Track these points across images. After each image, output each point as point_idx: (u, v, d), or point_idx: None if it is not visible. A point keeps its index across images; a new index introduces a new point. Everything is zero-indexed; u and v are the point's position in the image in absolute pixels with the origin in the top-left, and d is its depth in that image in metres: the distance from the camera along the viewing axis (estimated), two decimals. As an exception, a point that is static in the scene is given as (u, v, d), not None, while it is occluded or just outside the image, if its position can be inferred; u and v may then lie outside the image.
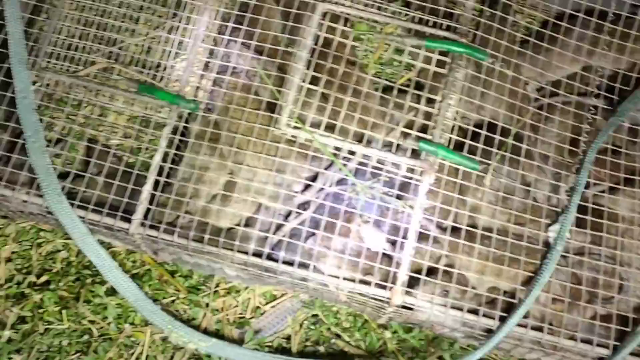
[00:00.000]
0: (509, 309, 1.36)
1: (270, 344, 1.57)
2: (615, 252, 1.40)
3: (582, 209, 1.43)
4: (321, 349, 1.56)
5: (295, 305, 1.62)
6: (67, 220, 1.40)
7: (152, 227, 1.41)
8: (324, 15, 1.53)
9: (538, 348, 1.38)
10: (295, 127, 1.44)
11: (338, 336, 1.58)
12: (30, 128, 1.44)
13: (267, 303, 1.63)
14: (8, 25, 1.49)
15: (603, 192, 1.49)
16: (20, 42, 1.49)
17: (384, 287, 1.36)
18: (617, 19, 1.59)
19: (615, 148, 1.51)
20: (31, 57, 1.51)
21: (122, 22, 1.58)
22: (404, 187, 1.43)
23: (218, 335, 1.57)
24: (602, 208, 1.44)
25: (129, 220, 1.41)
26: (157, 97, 1.47)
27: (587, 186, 1.47)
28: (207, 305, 1.59)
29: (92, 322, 1.55)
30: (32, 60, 1.51)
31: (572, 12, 1.59)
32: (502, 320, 1.34)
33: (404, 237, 1.38)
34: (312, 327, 1.59)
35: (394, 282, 1.36)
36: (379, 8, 1.54)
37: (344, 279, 1.37)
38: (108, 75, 1.54)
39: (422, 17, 1.53)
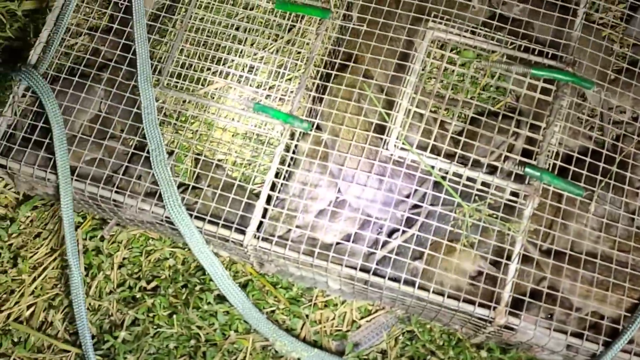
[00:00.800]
0: (613, 334, 1.38)
1: (366, 357, 1.62)
2: None
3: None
4: (419, 365, 1.61)
5: (390, 320, 1.67)
6: (186, 231, 1.49)
7: (264, 239, 1.48)
8: (433, 42, 1.59)
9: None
10: (403, 149, 1.50)
11: (433, 353, 1.62)
12: (154, 142, 1.54)
13: (362, 317, 1.68)
14: (137, 46, 1.60)
15: None
16: (147, 61, 1.60)
17: (487, 307, 1.40)
18: None
19: None
20: (155, 76, 1.61)
21: (238, 43, 1.67)
22: (507, 209, 1.47)
23: (316, 345, 1.63)
24: None
25: (243, 232, 1.48)
26: (272, 116, 1.55)
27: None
28: (307, 316, 1.65)
29: (199, 327, 1.62)
30: (156, 79, 1.61)
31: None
32: (606, 345, 1.36)
33: (508, 259, 1.42)
34: (408, 342, 1.63)
35: (497, 303, 1.40)
36: (485, 36, 1.59)
37: (449, 297, 1.41)
38: (224, 94, 1.63)
39: (528, 45, 1.57)
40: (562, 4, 1.61)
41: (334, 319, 1.67)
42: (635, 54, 1.75)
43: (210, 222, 1.49)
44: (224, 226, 1.49)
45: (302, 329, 1.65)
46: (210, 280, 1.63)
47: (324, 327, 1.66)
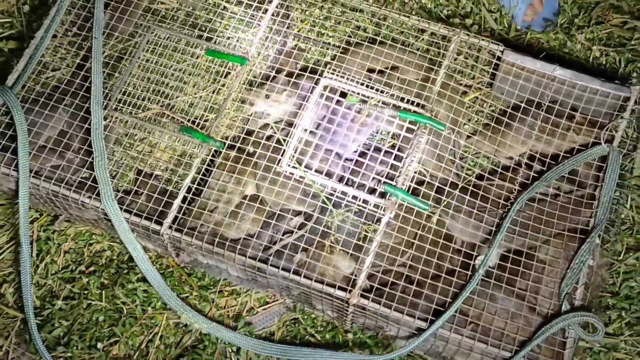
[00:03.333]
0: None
1: (258, 334, 1.99)
2: (528, 283, 1.81)
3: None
4: (297, 342, 1.97)
5: (282, 310, 2.05)
6: (115, 219, 1.88)
7: (177, 230, 1.88)
8: (325, 87, 2.03)
9: (463, 349, 1.77)
10: (293, 167, 1.92)
11: (312, 335, 1.99)
12: (98, 151, 1.95)
13: (260, 306, 2.05)
14: (93, 77, 2.04)
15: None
16: (99, 89, 2.03)
17: (345, 290, 1.79)
18: (551, 110, 2.04)
19: (539, 206, 1.94)
20: (105, 101, 2.04)
21: (175, 81, 2.10)
22: (372, 218, 1.88)
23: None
24: (522, 249, 1.86)
25: (161, 224, 1.88)
26: (193, 137, 1.97)
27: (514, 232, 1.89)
28: (213, 301, 2.03)
29: (123, 303, 2.00)
30: (106, 103, 2.03)
31: (518, 103, 2.05)
32: (430, 323, 1.75)
33: (365, 254, 1.82)
34: (292, 326, 2.00)
35: (353, 287, 1.79)
36: (366, 85, 2.03)
37: (315, 280, 1.80)
38: (160, 119, 2.05)
39: (399, 94, 2.01)
40: (428, 66, 2.06)
41: (235, 305, 2.04)
42: (494, 112, 2.19)
43: (135, 214, 1.89)
44: (147, 219, 1.89)
45: (208, 311, 2.02)
46: (136, 266, 2.01)
47: (227, 311, 2.03)
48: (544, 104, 2.04)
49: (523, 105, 2.04)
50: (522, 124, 2.04)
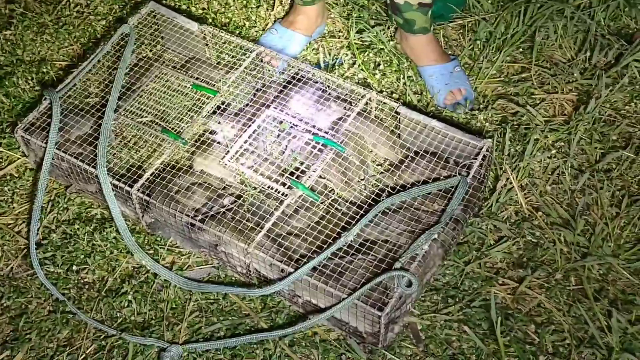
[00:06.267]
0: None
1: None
2: (378, 256, 2.48)
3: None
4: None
5: (212, 270, 2.76)
6: (103, 181, 2.70)
7: (142, 192, 2.68)
8: (268, 116, 2.87)
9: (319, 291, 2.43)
10: (233, 162, 2.72)
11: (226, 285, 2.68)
12: (103, 135, 2.81)
13: (197, 266, 2.77)
14: (112, 92, 2.96)
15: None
16: (114, 100, 2.93)
17: (245, 242, 2.51)
18: (428, 152, 2.79)
19: (405, 212, 2.64)
20: (118, 109, 2.94)
21: (168, 103, 2.99)
22: (278, 200, 2.63)
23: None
24: (382, 236, 2.55)
25: (132, 187, 2.69)
26: (169, 136, 2.82)
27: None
28: (162, 255, 2.77)
29: (99, 245, 2.77)
30: (117, 110, 2.94)
31: (413, 147, 2.82)
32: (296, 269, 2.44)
33: (266, 222, 2.55)
34: (214, 278, 2.70)
35: (252, 241, 2.51)
36: (293, 116, 2.86)
37: (226, 233, 2.54)
38: (154, 125, 2.92)
39: (318, 126, 2.82)
40: (346, 104, 2.88)
41: (179, 262, 2.77)
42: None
43: (117, 179, 2.71)
44: (124, 183, 2.71)
45: (157, 261, 2.76)
46: (114, 222, 2.79)
47: (172, 264, 2.76)
48: (425, 147, 2.80)
49: (414, 149, 2.82)
50: (414, 163, 2.79)
